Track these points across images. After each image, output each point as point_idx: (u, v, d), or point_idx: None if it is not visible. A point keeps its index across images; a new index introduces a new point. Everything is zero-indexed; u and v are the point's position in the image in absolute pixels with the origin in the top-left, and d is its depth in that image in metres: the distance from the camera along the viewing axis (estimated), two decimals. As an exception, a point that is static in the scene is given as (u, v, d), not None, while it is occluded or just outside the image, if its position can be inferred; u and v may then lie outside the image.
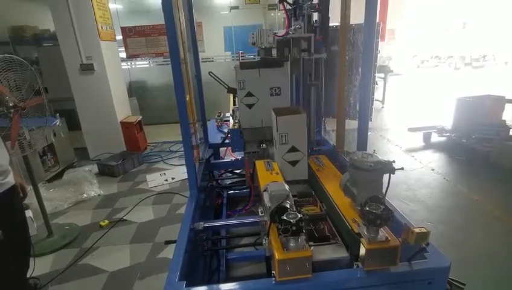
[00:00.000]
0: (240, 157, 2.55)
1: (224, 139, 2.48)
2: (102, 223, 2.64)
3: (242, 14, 5.93)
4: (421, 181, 3.12)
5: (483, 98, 4.01)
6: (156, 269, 2.09)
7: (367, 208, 1.06)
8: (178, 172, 3.67)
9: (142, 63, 5.96)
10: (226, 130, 3.16)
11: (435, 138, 4.25)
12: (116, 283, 2.00)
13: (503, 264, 2.01)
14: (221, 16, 6.12)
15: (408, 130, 4.33)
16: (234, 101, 2.86)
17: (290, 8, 2.15)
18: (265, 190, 1.21)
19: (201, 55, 5.80)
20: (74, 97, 3.94)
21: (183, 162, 3.95)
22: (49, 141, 3.49)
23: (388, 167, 1.13)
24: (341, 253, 1.18)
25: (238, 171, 2.96)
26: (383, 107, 6.52)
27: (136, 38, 5.61)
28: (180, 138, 5.05)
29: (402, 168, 1.15)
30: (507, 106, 3.89)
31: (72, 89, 3.90)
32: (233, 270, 1.94)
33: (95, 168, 3.80)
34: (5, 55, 1.90)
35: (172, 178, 3.50)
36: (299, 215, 1.03)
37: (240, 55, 5.76)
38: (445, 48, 12.78)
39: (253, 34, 2.06)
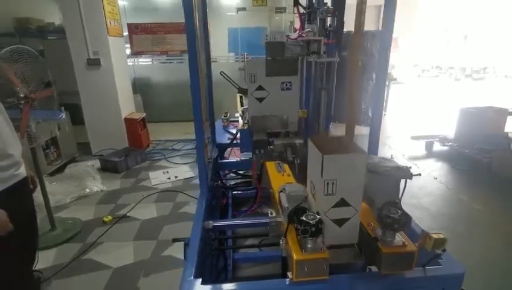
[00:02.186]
0: (246, 158, 2.55)
1: (233, 139, 2.48)
2: (105, 219, 2.63)
3: (247, 16, 5.94)
4: (424, 189, 3.14)
5: (486, 109, 4.05)
6: (161, 267, 2.08)
7: (384, 213, 1.07)
8: (181, 171, 3.67)
9: (145, 61, 5.94)
10: (232, 131, 3.17)
11: (437, 147, 4.28)
12: (120, 279, 1.99)
13: (502, 272, 2.03)
14: (227, 17, 6.11)
15: (411, 138, 4.36)
16: (241, 102, 2.87)
17: (304, 12, 2.17)
18: (281, 191, 1.22)
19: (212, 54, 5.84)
20: (79, 91, 3.93)
21: (186, 161, 3.98)
22: (53, 134, 3.47)
23: (405, 173, 1.14)
24: (356, 257, 1.18)
25: (241, 171, 2.97)
26: (385, 114, 6.56)
27: (142, 35, 5.60)
28: (182, 137, 5.05)
29: (419, 174, 1.16)
30: (509, 118, 3.94)
31: (77, 84, 3.89)
32: (239, 270, 1.94)
33: (97, 163, 3.78)
34: (18, 46, 1.90)
35: (176, 176, 3.49)
36: (318, 217, 1.04)
37: (245, 56, 5.79)
38: (447, 59, 12.90)
39: (266, 35, 2.07)
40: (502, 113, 3.94)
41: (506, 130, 3.90)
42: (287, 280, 1.05)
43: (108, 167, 3.68)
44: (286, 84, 2.11)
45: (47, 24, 5.22)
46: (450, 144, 4.17)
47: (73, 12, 3.58)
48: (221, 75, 2.40)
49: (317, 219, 1.02)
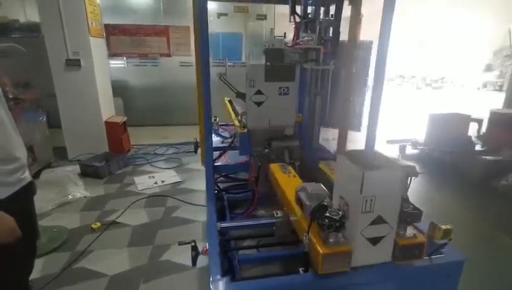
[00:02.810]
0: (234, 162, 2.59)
1: (231, 142, 2.51)
2: (93, 226, 2.52)
3: (223, 21, 5.92)
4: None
5: (452, 115, 4.44)
6: (160, 272, 2.04)
7: (398, 207, 1.17)
8: (167, 175, 3.61)
9: (117, 63, 5.70)
10: (223, 134, 3.19)
11: (410, 150, 4.61)
12: (119, 286, 1.93)
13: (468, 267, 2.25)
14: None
15: (386, 142, 4.65)
16: (233, 108, 2.88)
17: (300, 20, 2.28)
18: (300, 191, 1.28)
19: (185, 58, 5.78)
20: (56, 93, 3.73)
21: (171, 165, 3.91)
22: (31, 138, 3.27)
23: (412, 171, 1.26)
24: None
25: (232, 175, 3.00)
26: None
27: (120, 36, 5.45)
28: (162, 141, 4.94)
29: (422, 173, 1.28)
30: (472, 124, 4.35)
31: (54, 85, 3.69)
32: (244, 271, 1.96)
33: (76, 168, 3.60)
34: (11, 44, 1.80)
35: (162, 181, 3.43)
36: (341, 213, 1.12)
37: (226, 62, 5.85)
38: (409, 68, 13.86)
39: (266, 42, 2.14)
40: (465, 119, 4.34)
41: (469, 133, 4.31)
42: (307, 273, 1.11)
43: (89, 172, 3.52)
44: (283, 90, 2.19)
45: (11, 21, 4.88)
46: (421, 147, 4.51)
47: (52, 11, 3.42)
48: (221, 79, 2.43)
49: (340, 215, 1.10)
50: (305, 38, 2.07)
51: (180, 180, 3.48)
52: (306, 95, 2.33)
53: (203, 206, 2.89)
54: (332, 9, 2.24)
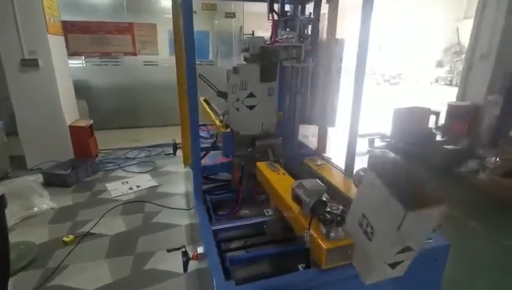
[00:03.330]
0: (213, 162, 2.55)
1: (214, 143, 2.46)
2: (66, 239, 2.34)
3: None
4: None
5: (413, 109, 4.75)
6: (146, 282, 1.95)
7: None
8: (142, 180, 3.45)
9: (76, 63, 5.28)
10: (201, 134, 3.11)
11: (378, 143, 4.85)
12: (103, 301, 1.81)
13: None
14: (165, 19, 5.79)
15: (358, 136, 4.84)
16: (211, 107, 2.83)
17: (278, 18, 2.29)
18: (297, 187, 1.28)
19: (152, 58, 5.55)
20: (11, 97, 3.40)
21: (144, 169, 3.75)
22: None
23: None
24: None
25: (211, 176, 2.95)
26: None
27: (79, 34, 5.10)
28: (132, 144, 4.73)
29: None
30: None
31: (9, 88, 3.35)
32: (239, 271, 1.93)
33: (38, 178, 3.31)
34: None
35: (138, 186, 3.27)
36: (341, 207, 1.14)
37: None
38: (370, 65, 14.58)
39: (245, 40, 2.12)
40: (426, 112, 4.67)
41: (429, 126, 4.63)
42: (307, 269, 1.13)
43: (54, 182, 3.25)
44: (270, 90, 2.19)
45: None
46: (388, 140, 4.76)
47: (4, 5, 3.09)
48: (201, 78, 2.36)
49: (341, 209, 1.13)
50: (284, 36, 2.09)
51: (157, 184, 3.34)
52: (286, 93, 2.35)
53: (184, 209, 2.81)
54: (309, 7, 2.28)
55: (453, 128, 4.45)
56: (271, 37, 2.42)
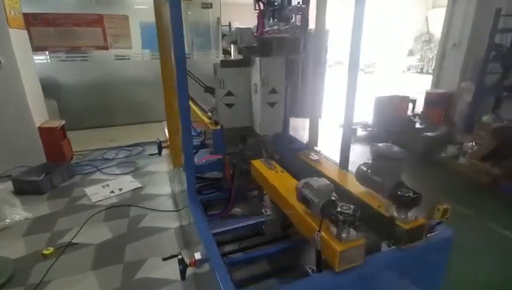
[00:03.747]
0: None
1: (203, 140, 2.34)
2: (45, 252, 2.16)
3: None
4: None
5: (393, 97, 4.85)
6: (140, 292, 1.84)
7: (400, 193, 1.20)
8: (124, 182, 3.27)
9: (38, 58, 4.75)
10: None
11: (360, 132, 4.92)
12: (93, 317, 1.68)
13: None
14: (136, 11, 5.43)
15: (339, 126, 4.87)
16: (198, 104, 2.69)
17: (265, 8, 2.19)
18: (303, 187, 1.23)
19: (120, 52, 5.21)
20: (-30, 98, 3.07)
21: (126, 170, 3.56)
22: None
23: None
24: (371, 238, 1.29)
25: (197, 174, 2.84)
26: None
27: (42, 27, 4.70)
28: (108, 144, 4.47)
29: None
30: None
31: (-34, 88, 3.03)
32: (239, 273, 1.87)
33: (8, 186, 3.05)
34: None
35: (120, 189, 3.09)
36: (352, 206, 1.10)
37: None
38: (346, 55, 14.78)
39: (233, 32, 2.02)
40: (405, 100, 4.78)
41: (408, 113, 4.75)
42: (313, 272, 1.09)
43: (26, 189, 3.00)
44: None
45: None
46: (370, 128, 4.84)
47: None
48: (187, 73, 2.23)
49: (352, 209, 1.08)
50: (275, 27, 2.00)
51: (140, 185, 3.18)
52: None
53: (171, 211, 2.69)
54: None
55: (431, 115, 4.60)
56: (257, 28, 2.33)
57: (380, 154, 1.28)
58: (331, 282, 1.07)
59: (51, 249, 2.19)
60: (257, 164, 1.77)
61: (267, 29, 2.10)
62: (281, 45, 1.96)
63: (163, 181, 3.28)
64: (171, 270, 1.92)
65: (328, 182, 1.20)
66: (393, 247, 1.21)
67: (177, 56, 1.40)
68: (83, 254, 2.19)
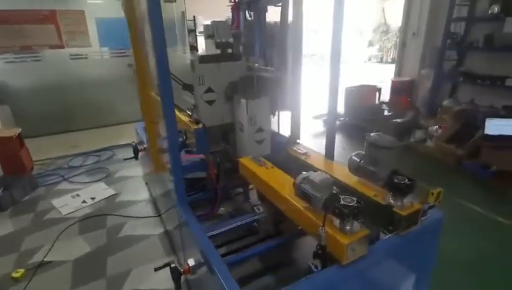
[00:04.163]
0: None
1: (184, 140, 2.23)
2: (15, 275, 1.95)
3: (109, 4, 5.08)
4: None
5: (362, 87, 5.01)
6: (129, 307, 1.73)
7: (395, 181, 1.22)
8: (96, 190, 3.05)
9: None
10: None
11: (332, 122, 5.03)
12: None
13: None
14: (97, 6, 4.99)
15: (313, 118, 4.96)
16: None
17: (239, 0, 2.12)
18: (302, 182, 1.20)
19: (77, 50, 4.80)
20: None
21: (97, 177, 3.33)
22: None
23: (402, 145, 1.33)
24: (370, 227, 1.31)
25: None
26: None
27: (-16, 26, 4.22)
28: (76, 151, 4.16)
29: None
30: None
31: None
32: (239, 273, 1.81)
33: (-40, 205, 2.71)
34: None
35: (92, 198, 2.88)
36: (354, 198, 1.09)
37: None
38: (310, 47, 15.07)
39: (209, 26, 1.94)
40: (373, 89, 4.96)
41: (377, 102, 4.95)
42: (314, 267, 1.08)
43: (-18, 207, 2.69)
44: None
45: None
46: (342, 118, 4.97)
47: None
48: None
49: (355, 201, 1.08)
50: (256, 64, 1.95)
51: (115, 192, 2.99)
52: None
53: (153, 217, 2.56)
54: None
55: (398, 102, 4.82)
56: (233, 21, 2.26)
57: (373, 144, 1.29)
58: (339, 276, 1.06)
59: (21, 270, 1.99)
60: (246, 161, 1.72)
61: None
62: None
63: (139, 186, 3.12)
64: (160, 279, 1.83)
65: (328, 176, 1.19)
66: (390, 234, 1.23)
67: (158, 53, 1.30)
68: (59, 272, 2.01)
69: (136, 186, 3.11)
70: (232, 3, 2.13)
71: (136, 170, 3.40)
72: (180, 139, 2.31)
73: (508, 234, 2.32)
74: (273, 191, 1.43)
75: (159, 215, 2.52)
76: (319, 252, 1.20)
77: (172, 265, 1.45)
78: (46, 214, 2.67)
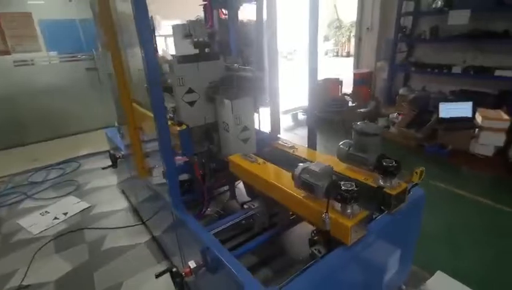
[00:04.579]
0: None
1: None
2: (-11, 305, 1.78)
3: (84, 4, 4.80)
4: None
5: (326, 80, 5.23)
6: (127, 319, 1.66)
7: (385, 164, 1.33)
8: (66, 205, 2.85)
9: None
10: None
11: (300, 116, 5.20)
12: None
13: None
14: (40, 7, 4.55)
15: (282, 113, 5.07)
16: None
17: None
18: (302, 173, 1.25)
19: (23, 56, 4.39)
20: None
21: (64, 191, 3.10)
22: None
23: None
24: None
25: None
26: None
27: None
28: (36, 165, 3.86)
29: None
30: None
31: None
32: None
33: None
34: None
35: (65, 213, 2.69)
36: (353, 183, 1.17)
37: (95, 55, 4.87)
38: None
39: (185, 25, 1.91)
40: (336, 82, 5.20)
41: (340, 94, 5.20)
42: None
43: None
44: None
45: None
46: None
47: None
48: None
49: (354, 185, 1.16)
50: (235, 65, 1.96)
51: (88, 205, 2.82)
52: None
53: (136, 225, 2.47)
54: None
55: (360, 93, 5.11)
56: (206, 21, 2.24)
57: (362, 132, 1.39)
58: (346, 256, 1.14)
59: (-4, 300, 1.82)
60: (236, 159, 1.73)
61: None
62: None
63: (114, 196, 2.97)
64: (156, 287, 1.78)
65: (326, 165, 1.26)
66: (382, 214, 1.33)
67: (147, 56, 1.26)
68: (41, 295, 1.87)
69: (111, 197, 2.96)
70: (205, 2, 2.11)
71: (108, 180, 3.23)
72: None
73: (469, 204, 2.61)
74: (270, 185, 1.47)
75: (143, 223, 2.43)
76: (315, 238, 1.28)
77: (174, 269, 1.43)
78: (14, 235, 2.45)
